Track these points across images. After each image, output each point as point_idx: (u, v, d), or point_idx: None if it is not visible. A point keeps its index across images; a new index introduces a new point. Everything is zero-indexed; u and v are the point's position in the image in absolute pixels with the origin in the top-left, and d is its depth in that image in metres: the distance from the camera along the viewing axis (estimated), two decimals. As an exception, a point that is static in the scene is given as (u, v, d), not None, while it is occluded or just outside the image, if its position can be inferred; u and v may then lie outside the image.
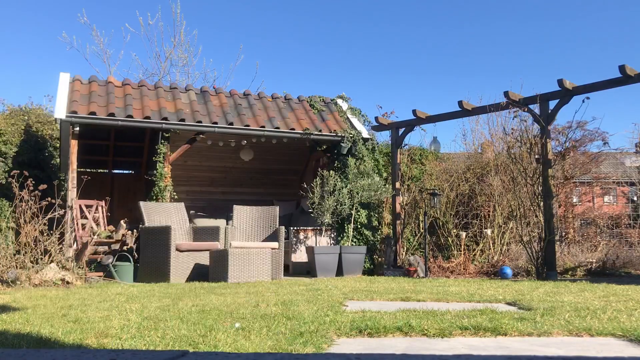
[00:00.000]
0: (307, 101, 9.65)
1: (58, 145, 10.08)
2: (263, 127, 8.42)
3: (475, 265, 7.92)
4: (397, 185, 8.55)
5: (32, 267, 5.36)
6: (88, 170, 10.35)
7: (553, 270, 6.51)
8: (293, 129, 8.58)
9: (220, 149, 9.87)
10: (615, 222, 9.55)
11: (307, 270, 7.65)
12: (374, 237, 8.51)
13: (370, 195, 7.98)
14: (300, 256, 8.19)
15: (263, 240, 6.77)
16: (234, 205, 6.99)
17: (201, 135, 8.35)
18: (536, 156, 7.06)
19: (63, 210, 6.67)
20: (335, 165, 8.72)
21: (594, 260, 7.41)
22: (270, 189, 11.09)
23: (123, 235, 7.13)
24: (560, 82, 6.62)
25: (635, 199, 10.72)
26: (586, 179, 9.90)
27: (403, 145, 8.95)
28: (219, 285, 5.21)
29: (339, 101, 9.78)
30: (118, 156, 11.08)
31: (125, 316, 2.73)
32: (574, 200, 9.60)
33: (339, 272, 7.36)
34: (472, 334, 2.17)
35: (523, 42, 37.70)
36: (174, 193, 8.12)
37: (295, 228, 8.35)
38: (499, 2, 34.93)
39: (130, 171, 11.72)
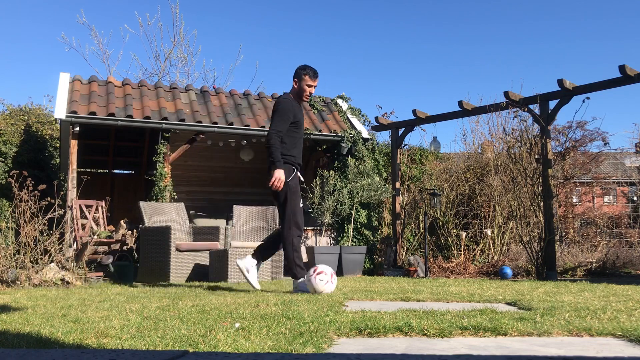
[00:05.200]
0: (307, 101, 9.65)
1: (58, 145, 10.08)
2: (263, 127, 8.42)
3: (475, 265, 7.92)
4: (397, 185, 8.55)
5: (32, 267, 5.36)
6: (88, 170, 10.36)
7: (553, 270, 6.51)
8: (293, 129, 8.58)
9: (220, 149, 9.87)
10: (615, 222, 9.55)
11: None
12: (374, 237, 8.52)
13: (370, 195, 7.99)
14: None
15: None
16: (234, 205, 6.99)
17: (201, 135, 8.35)
18: (536, 156, 7.06)
19: (63, 210, 6.67)
20: (335, 165, 8.72)
21: (594, 260, 7.41)
22: (270, 189, 11.08)
23: (123, 235, 7.13)
24: (560, 82, 6.62)
25: (635, 199, 10.72)
26: (586, 179, 9.91)
27: (403, 145, 8.96)
28: (219, 285, 5.21)
29: (339, 101, 9.78)
30: (118, 156, 11.08)
31: (125, 316, 2.73)
32: (574, 200, 9.60)
33: (339, 272, 7.36)
34: (472, 334, 2.17)
35: (523, 42, 37.72)
36: (174, 193, 8.12)
37: (295, 228, 8.35)
38: (499, 2, 34.93)
39: (130, 171, 11.72)
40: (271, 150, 4.17)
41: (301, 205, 4.45)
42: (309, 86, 4.40)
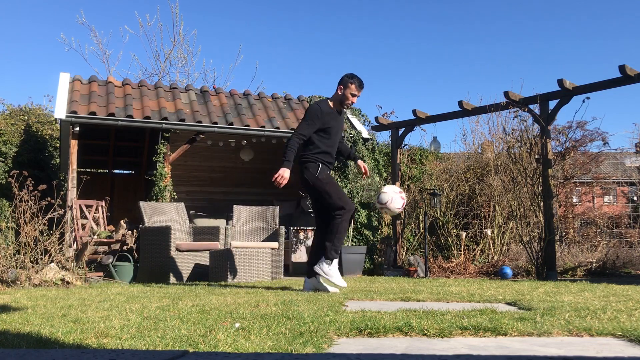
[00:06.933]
0: (307, 101, 9.64)
1: (58, 145, 10.09)
2: (263, 127, 8.42)
3: (475, 265, 7.92)
4: (397, 185, 8.55)
5: (32, 267, 5.36)
6: (88, 170, 10.37)
7: (553, 270, 6.50)
8: (293, 129, 8.57)
9: (220, 149, 9.88)
10: (615, 222, 9.54)
11: (307, 270, 7.64)
12: (374, 237, 8.51)
13: (370, 195, 7.99)
14: (300, 256, 8.18)
15: (263, 240, 6.76)
16: (234, 205, 6.99)
17: (201, 135, 8.35)
18: (536, 156, 7.06)
19: (63, 210, 6.67)
20: (335, 165, 8.72)
21: (594, 260, 7.41)
22: (270, 189, 11.04)
23: (123, 235, 7.13)
24: (560, 82, 6.61)
25: (635, 199, 10.73)
26: (586, 179, 9.90)
27: (403, 145, 8.95)
28: (219, 285, 5.21)
29: (339, 101, 9.76)
30: (118, 156, 11.09)
31: (125, 316, 2.73)
32: (574, 200, 9.60)
33: (339, 272, 7.35)
34: (472, 334, 2.17)
35: (523, 42, 37.72)
36: (174, 193, 8.12)
37: (295, 228, 8.35)
38: (500, 2, 34.93)
39: (130, 171, 11.72)
40: (286, 150, 4.25)
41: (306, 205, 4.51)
42: (353, 95, 4.43)
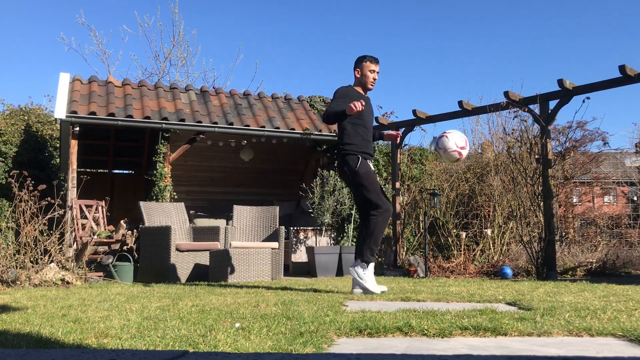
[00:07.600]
0: (307, 101, 9.64)
1: (58, 145, 10.09)
2: (263, 127, 8.42)
3: (476, 265, 7.91)
4: (397, 185, 8.55)
5: (32, 267, 5.36)
6: (88, 170, 10.37)
7: (553, 270, 6.50)
8: (293, 129, 8.58)
9: (220, 149, 9.88)
10: (615, 222, 9.54)
11: (307, 270, 7.65)
12: (374, 237, 8.50)
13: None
14: (300, 256, 8.18)
15: (263, 240, 6.76)
16: (234, 205, 6.99)
17: (201, 135, 8.35)
18: (536, 156, 7.05)
19: (63, 210, 6.67)
20: (336, 165, 8.71)
21: (594, 260, 7.40)
22: (270, 189, 11.09)
23: (123, 235, 7.13)
24: (560, 82, 6.61)
25: (635, 199, 10.72)
26: (586, 179, 9.90)
27: (403, 145, 8.94)
28: (219, 285, 5.21)
29: (339, 101, 9.76)
30: (118, 156, 11.08)
31: (125, 316, 2.73)
32: (574, 200, 9.59)
33: (339, 272, 7.36)
34: (472, 334, 2.17)
35: (523, 42, 37.72)
36: (174, 193, 8.11)
37: (295, 228, 8.34)
38: (500, 2, 34.94)
39: (130, 171, 11.72)
40: (330, 114, 4.06)
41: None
42: (372, 71, 4.31)
